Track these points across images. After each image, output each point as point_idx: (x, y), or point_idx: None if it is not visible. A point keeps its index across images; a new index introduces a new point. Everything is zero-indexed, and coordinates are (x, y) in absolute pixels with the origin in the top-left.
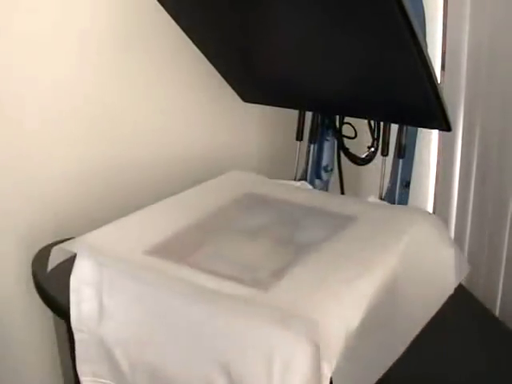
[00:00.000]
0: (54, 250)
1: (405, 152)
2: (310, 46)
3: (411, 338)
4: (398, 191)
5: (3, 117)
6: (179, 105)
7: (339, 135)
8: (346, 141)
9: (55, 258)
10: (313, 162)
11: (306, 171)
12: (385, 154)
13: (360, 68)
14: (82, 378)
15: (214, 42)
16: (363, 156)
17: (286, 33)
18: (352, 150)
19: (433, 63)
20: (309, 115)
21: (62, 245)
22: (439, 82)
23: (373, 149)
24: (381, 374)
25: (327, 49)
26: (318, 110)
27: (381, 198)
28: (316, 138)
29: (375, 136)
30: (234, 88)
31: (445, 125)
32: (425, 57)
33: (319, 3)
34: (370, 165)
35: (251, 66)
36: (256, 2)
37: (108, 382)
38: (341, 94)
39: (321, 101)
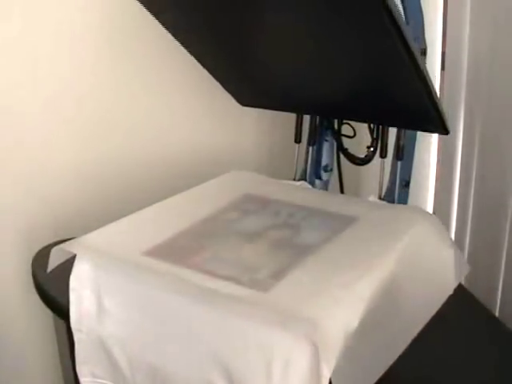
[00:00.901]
0: (54, 250)
1: (403, 154)
2: (306, 54)
3: (411, 338)
4: (398, 191)
5: (3, 117)
6: (178, 106)
7: (338, 136)
8: (345, 141)
9: (55, 259)
10: (312, 163)
11: (305, 171)
12: (383, 155)
13: (356, 75)
14: (81, 379)
15: (210, 51)
16: (362, 156)
17: (282, 40)
18: (351, 150)
19: (433, 64)
20: (307, 117)
21: (61, 245)
22: (439, 82)
23: (372, 149)
24: (380, 374)
25: (323, 57)
26: (316, 113)
27: (380, 199)
28: (314, 140)
29: (374, 136)
30: (231, 93)
31: (442, 129)
32: (421, 70)
33: (314, 14)
34: (370, 164)
35: (248, 73)
36: (251, 10)
37: (108, 382)
38: (338, 98)
39: (318, 104)
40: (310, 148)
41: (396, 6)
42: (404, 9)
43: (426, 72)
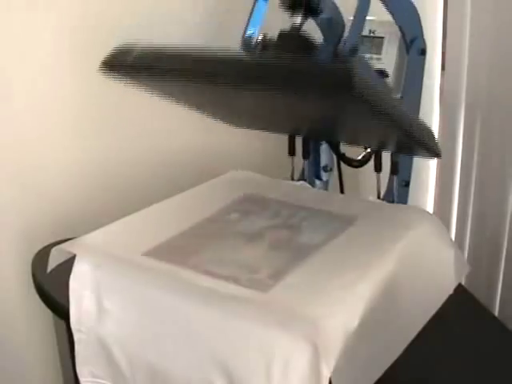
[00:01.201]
0: (54, 250)
1: (398, 169)
2: (287, 112)
3: (411, 338)
4: (397, 192)
5: (2, 117)
6: (175, 108)
7: (334, 143)
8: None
9: (55, 259)
10: (311, 164)
11: (303, 172)
12: (378, 170)
13: (338, 128)
14: (81, 379)
15: (197, 105)
16: (360, 157)
17: (261, 103)
18: (350, 150)
19: (433, 64)
20: None
21: (61, 245)
22: (439, 82)
23: (369, 149)
24: (380, 374)
25: (306, 117)
26: (308, 137)
27: (380, 199)
28: (308, 154)
29: None
30: (221, 121)
31: (434, 154)
32: (404, 127)
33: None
34: (370, 165)
35: (231, 117)
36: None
37: (107, 383)
38: (325, 132)
39: (308, 132)
40: (305, 162)
41: (367, 84)
42: (392, 14)
43: (410, 118)
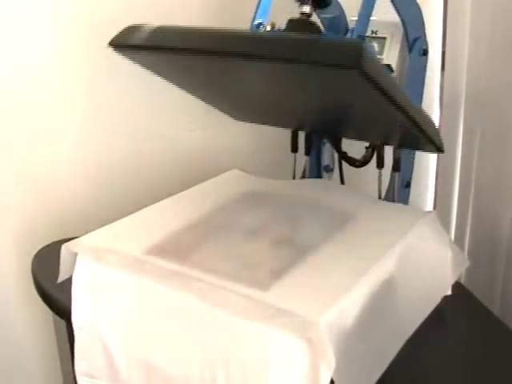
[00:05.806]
0: (63, 251)
1: (400, 166)
2: (291, 97)
3: (409, 335)
4: (398, 192)
5: (6, 116)
6: (178, 106)
7: (335, 142)
8: (344, 141)
9: (66, 267)
10: (312, 164)
11: (304, 171)
12: (380, 167)
13: (341, 116)
14: (78, 377)
15: (200, 87)
16: (361, 156)
17: (265, 87)
18: (350, 149)
19: (433, 64)
20: None
21: (66, 244)
22: (439, 82)
23: (370, 148)
24: (381, 373)
25: (309, 105)
26: (309, 130)
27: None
28: (310, 151)
29: None
30: (224, 112)
31: (437, 150)
32: (409, 113)
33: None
34: (371, 164)
35: (238, 102)
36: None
37: (104, 383)
38: (328, 125)
39: (310, 125)
40: (308, 158)
41: (375, 61)
42: (397, 10)
43: (415, 108)
